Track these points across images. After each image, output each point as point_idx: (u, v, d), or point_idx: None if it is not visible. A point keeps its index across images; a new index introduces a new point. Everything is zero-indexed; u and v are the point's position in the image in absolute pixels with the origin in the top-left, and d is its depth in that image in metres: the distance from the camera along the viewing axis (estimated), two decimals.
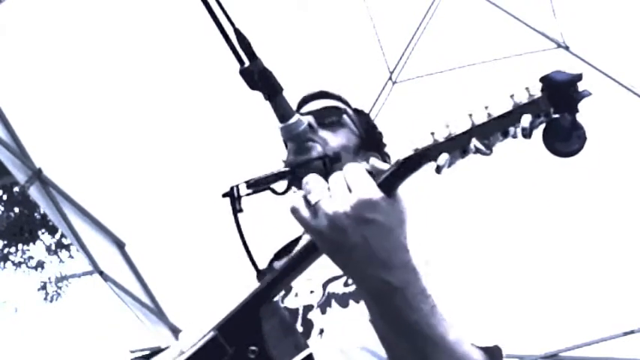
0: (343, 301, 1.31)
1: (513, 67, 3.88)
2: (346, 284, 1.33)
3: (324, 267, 1.37)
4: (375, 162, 0.95)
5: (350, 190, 0.90)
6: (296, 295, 1.37)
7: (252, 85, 1.37)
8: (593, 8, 3.72)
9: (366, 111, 1.71)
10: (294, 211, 0.92)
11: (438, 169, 0.89)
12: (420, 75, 4.10)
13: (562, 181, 3.88)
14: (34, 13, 3.26)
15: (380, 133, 1.65)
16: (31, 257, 11.96)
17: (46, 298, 12.32)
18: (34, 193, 3.68)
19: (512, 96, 0.88)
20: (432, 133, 0.90)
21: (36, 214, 11.18)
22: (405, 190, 0.98)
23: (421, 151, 0.90)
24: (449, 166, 0.90)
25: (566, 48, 3.90)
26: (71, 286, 12.48)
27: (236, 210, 1.40)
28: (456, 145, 0.89)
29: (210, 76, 3.45)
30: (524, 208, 3.96)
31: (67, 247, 11.61)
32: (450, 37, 3.99)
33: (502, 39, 3.93)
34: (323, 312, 1.32)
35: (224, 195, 1.43)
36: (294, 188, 1.51)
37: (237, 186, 1.43)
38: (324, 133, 1.50)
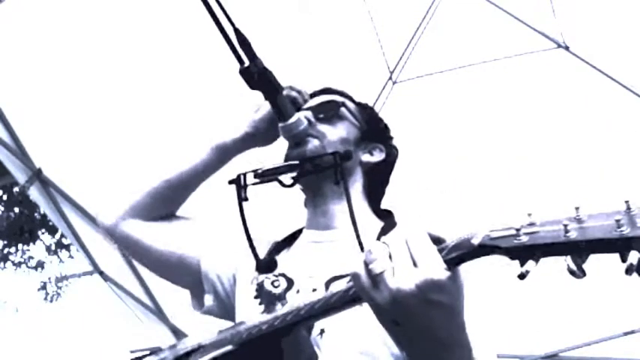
0: None
1: (513, 67, 3.89)
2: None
3: (326, 264, 1.38)
4: (431, 229, 0.90)
5: (415, 264, 0.86)
6: (297, 291, 1.37)
7: (253, 85, 1.37)
8: (593, 8, 3.72)
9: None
10: (355, 278, 0.89)
11: (522, 276, 0.82)
12: (420, 75, 4.10)
13: (562, 180, 3.88)
14: (34, 13, 3.26)
15: (384, 125, 1.64)
16: (31, 257, 11.97)
17: (46, 298, 12.33)
18: (34, 193, 3.68)
19: (618, 221, 0.75)
20: (518, 229, 0.82)
21: (36, 214, 11.18)
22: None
23: (505, 249, 0.82)
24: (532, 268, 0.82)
25: (566, 48, 3.90)
26: (71, 286, 12.49)
27: (241, 198, 1.41)
28: (544, 254, 0.81)
29: (210, 76, 3.45)
30: (524, 208, 3.95)
31: (67, 247, 11.61)
32: (450, 37, 3.99)
33: (502, 39, 3.93)
34: None
35: (230, 182, 1.44)
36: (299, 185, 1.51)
37: (244, 174, 1.43)
38: (322, 127, 1.50)
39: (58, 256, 11.99)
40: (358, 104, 1.62)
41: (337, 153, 1.42)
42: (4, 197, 11.21)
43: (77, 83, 3.43)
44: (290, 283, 1.39)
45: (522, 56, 3.89)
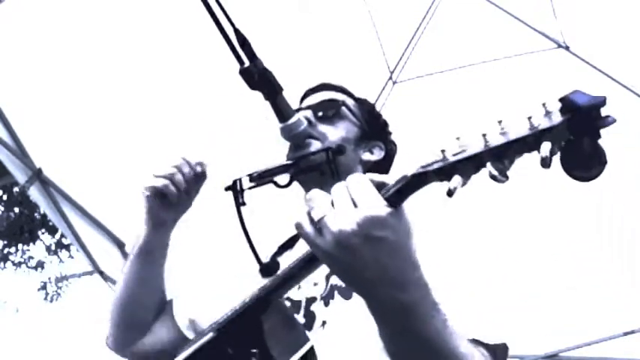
0: (346, 293, 1.31)
1: (513, 67, 3.89)
2: None
3: None
4: (375, 175, 0.91)
5: (355, 205, 0.85)
6: (299, 287, 1.37)
7: (253, 85, 1.37)
8: (593, 8, 3.72)
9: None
10: (299, 227, 0.89)
11: (450, 193, 0.84)
12: (420, 75, 4.11)
13: (561, 180, 3.87)
14: (34, 13, 3.26)
15: (384, 122, 1.63)
16: (31, 257, 11.97)
17: (46, 298, 12.34)
18: (34, 193, 3.68)
19: (529, 118, 0.81)
20: (443, 151, 0.85)
21: (36, 214, 11.18)
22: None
23: (432, 170, 0.85)
24: (461, 187, 0.85)
25: (566, 48, 3.90)
26: (71, 286, 12.49)
27: (239, 203, 1.40)
28: (469, 168, 0.84)
29: (210, 76, 3.44)
30: (524, 208, 3.95)
31: (67, 247, 11.62)
32: (450, 37, 3.99)
33: (502, 39, 3.93)
34: (326, 304, 1.32)
35: (227, 188, 1.43)
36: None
37: (239, 179, 1.43)
38: (322, 127, 1.49)
39: (58, 256, 12.00)
40: (357, 100, 1.62)
41: (330, 148, 1.42)
42: (4, 197, 11.21)
43: (77, 83, 3.43)
44: None
45: (522, 56, 3.89)
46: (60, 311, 12.82)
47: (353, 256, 0.85)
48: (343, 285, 1.32)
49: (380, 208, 0.85)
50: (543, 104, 0.81)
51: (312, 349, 1.11)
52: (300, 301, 1.34)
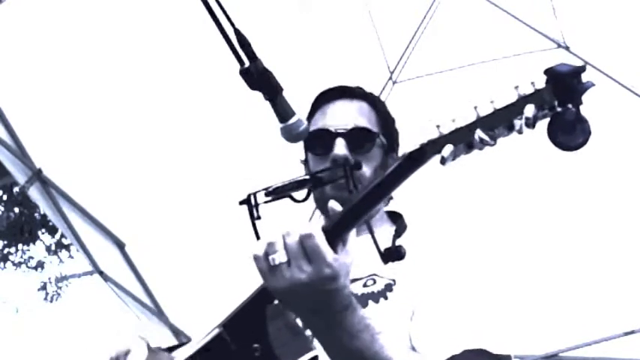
0: (362, 301, 1.31)
1: (513, 67, 3.88)
2: (365, 285, 1.35)
3: None
4: (335, 205, 1.02)
5: (310, 260, 0.98)
6: None
7: (253, 86, 1.37)
8: (593, 8, 3.72)
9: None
10: (255, 259, 1.00)
11: (443, 161, 0.91)
12: (420, 75, 4.10)
13: (562, 180, 3.88)
14: (34, 13, 3.26)
15: (395, 125, 1.61)
16: (31, 257, 11.95)
17: (46, 298, 12.32)
18: (34, 193, 3.68)
19: (516, 87, 0.90)
20: (438, 126, 0.93)
21: (36, 214, 11.17)
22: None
23: (427, 143, 0.94)
24: (453, 158, 0.91)
25: (566, 48, 3.89)
26: (71, 286, 12.47)
27: (254, 217, 1.39)
28: (461, 137, 0.91)
29: (210, 76, 3.45)
30: (524, 208, 3.95)
31: (67, 247, 11.59)
32: (450, 37, 3.99)
33: (502, 39, 3.93)
34: None
35: (241, 202, 1.41)
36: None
37: (254, 193, 1.41)
38: (357, 158, 1.46)
39: (58, 256, 11.98)
40: (372, 102, 1.57)
41: (347, 164, 1.41)
42: (4, 197, 11.21)
43: (77, 83, 3.43)
44: None
45: (522, 56, 3.88)
46: (60, 311, 12.81)
47: (299, 301, 1.02)
48: (359, 294, 1.33)
49: (332, 268, 0.98)
50: (532, 82, 0.92)
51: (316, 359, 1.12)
52: None
